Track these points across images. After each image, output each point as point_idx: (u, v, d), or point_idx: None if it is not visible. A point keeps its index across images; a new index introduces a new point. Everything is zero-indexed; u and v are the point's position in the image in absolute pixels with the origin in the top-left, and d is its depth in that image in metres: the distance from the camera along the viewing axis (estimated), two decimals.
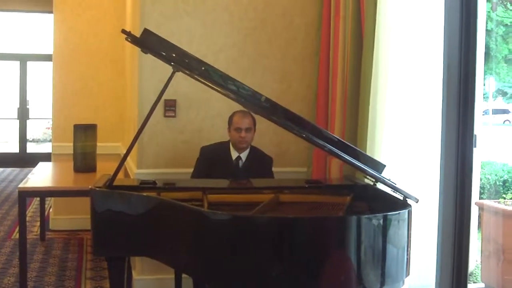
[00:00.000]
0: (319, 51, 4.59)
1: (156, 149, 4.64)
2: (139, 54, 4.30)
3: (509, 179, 5.40)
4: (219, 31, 4.71)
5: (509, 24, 5.59)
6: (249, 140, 4.06)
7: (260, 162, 4.15)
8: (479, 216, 4.64)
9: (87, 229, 3.82)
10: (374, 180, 3.39)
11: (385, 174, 3.40)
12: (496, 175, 5.40)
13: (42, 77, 12.48)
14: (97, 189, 3.38)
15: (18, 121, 12.77)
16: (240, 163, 4.08)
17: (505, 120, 8.98)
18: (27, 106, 12.73)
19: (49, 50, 7.38)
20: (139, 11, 4.58)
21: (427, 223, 3.47)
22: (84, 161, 5.52)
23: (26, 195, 4.78)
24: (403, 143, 3.73)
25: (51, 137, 7.48)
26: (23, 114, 12.71)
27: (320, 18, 4.63)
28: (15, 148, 12.99)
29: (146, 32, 3.35)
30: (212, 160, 4.10)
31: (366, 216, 2.91)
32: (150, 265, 4.50)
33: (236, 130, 4.02)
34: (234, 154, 4.08)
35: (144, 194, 3.36)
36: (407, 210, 3.04)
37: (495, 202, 4.78)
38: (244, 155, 4.09)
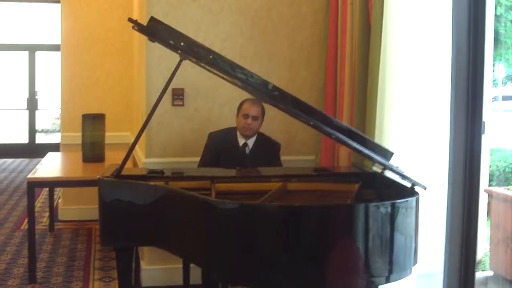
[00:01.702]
0: (327, 39, 4.56)
1: (164, 138, 4.64)
2: (147, 43, 4.31)
3: None
4: (226, 19, 4.69)
5: None
6: (254, 129, 4.06)
7: (267, 149, 4.16)
8: (488, 204, 4.61)
9: (96, 219, 3.82)
10: (382, 167, 3.38)
11: (393, 161, 3.39)
12: (505, 162, 5.36)
13: (51, 67, 12.44)
14: (105, 178, 3.39)
15: (27, 111, 12.79)
16: (247, 150, 4.08)
17: None
18: (36, 97, 12.74)
19: (57, 40, 7.38)
20: (146, 0, 4.57)
21: (435, 211, 3.45)
22: (92, 151, 5.53)
23: (35, 185, 4.82)
24: (411, 130, 3.71)
25: (60, 127, 7.50)
26: (32, 105, 12.73)
27: (327, 5, 4.60)
28: (24, 139, 13.02)
29: (152, 20, 3.33)
30: (219, 146, 4.11)
31: (374, 203, 2.90)
32: (158, 255, 4.51)
33: (244, 116, 4.03)
34: (241, 141, 4.09)
35: (152, 183, 3.36)
36: (415, 198, 3.03)
37: (504, 189, 4.73)
38: (251, 142, 4.09)
